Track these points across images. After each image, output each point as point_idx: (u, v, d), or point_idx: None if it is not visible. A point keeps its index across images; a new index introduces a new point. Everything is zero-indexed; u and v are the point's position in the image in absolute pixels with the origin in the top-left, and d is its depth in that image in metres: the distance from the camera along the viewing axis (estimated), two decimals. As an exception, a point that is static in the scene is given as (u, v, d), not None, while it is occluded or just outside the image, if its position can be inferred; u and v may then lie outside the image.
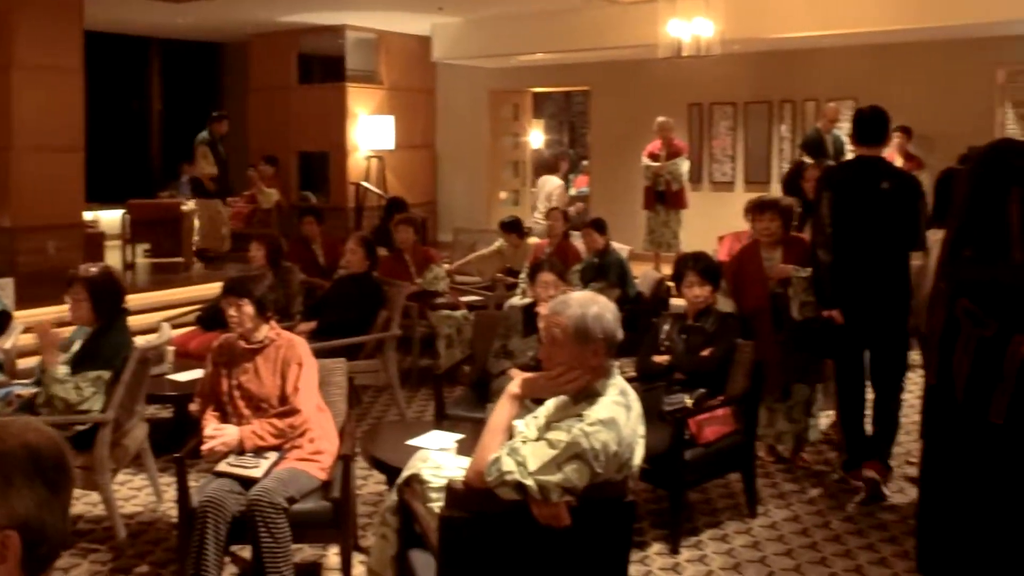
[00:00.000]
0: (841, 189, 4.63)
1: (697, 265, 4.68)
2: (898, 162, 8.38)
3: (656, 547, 4.11)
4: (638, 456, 2.84)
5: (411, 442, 3.77)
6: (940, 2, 8.85)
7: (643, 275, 7.72)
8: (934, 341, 2.28)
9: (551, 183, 11.68)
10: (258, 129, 12.66)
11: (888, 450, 4.73)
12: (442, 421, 4.54)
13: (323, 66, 12.83)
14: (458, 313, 6.81)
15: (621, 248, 7.73)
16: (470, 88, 13.07)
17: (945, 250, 2.44)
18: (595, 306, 2.83)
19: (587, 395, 2.79)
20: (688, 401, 4.30)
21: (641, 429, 2.88)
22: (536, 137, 14.72)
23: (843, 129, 9.83)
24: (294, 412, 3.68)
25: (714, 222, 8.89)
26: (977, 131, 8.31)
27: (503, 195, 13.60)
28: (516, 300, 6.56)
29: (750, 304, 4.95)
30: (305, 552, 4.00)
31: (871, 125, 4.62)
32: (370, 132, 12.13)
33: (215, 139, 10.37)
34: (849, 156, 7.03)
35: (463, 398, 5.00)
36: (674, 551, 4.05)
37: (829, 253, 4.56)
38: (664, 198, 9.74)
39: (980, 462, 2.21)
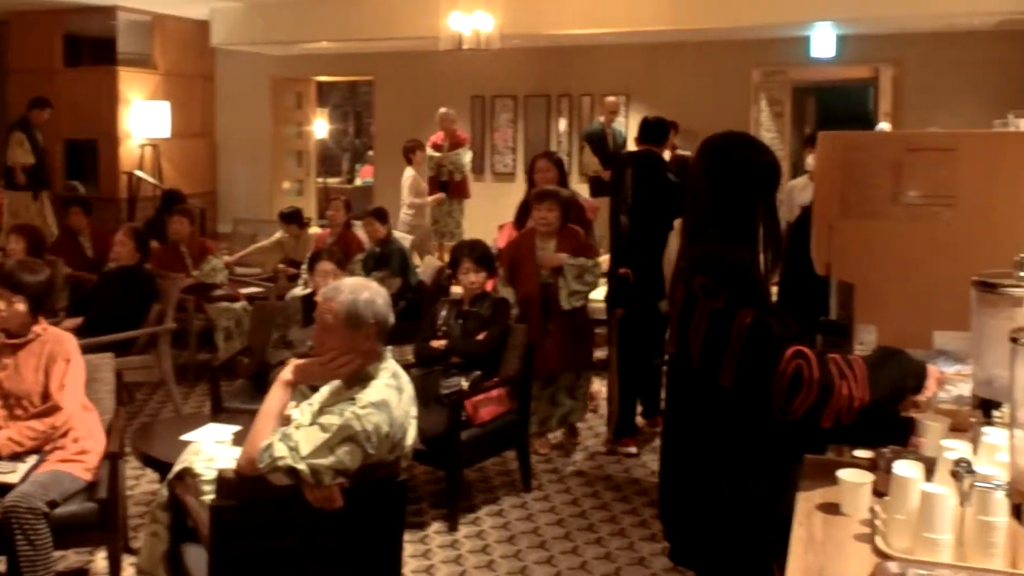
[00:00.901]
0: (639, 170, 5.25)
1: (472, 252, 4.83)
2: (666, 155, 8.88)
3: (435, 526, 4.23)
4: (411, 437, 2.91)
5: (185, 437, 3.70)
6: (703, 6, 9.44)
7: (425, 264, 7.82)
8: (675, 314, 2.48)
9: (405, 175, 11.55)
10: (19, 113, 11.81)
11: (657, 404, 5.20)
12: (219, 414, 4.47)
13: (92, 48, 12.12)
14: (237, 305, 6.67)
15: (403, 238, 7.80)
16: (252, 75, 12.74)
17: (685, 232, 2.65)
18: (366, 291, 2.88)
19: (360, 379, 2.84)
20: (464, 384, 4.45)
21: (413, 410, 2.95)
22: (321, 127, 14.52)
23: (620, 123, 10.36)
24: (55, 411, 3.51)
25: (496, 211, 9.11)
26: (735, 126, 8.72)
27: (287, 185, 13.35)
28: (298, 291, 6.50)
29: (522, 292, 5.11)
30: (70, 559, 3.84)
31: (656, 129, 5.50)
32: (144, 119, 11.59)
33: (32, 126, 9.62)
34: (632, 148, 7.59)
35: (241, 390, 4.93)
36: (452, 528, 4.19)
37: (628, 219, 5.12)
38: (447, 188, 9.89)
39: (701, 423, 2.43)
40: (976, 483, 1.79)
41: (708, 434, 2.39)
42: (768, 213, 2.45)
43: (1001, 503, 1.77)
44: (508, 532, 4.19)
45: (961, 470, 1.80)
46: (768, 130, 11.24)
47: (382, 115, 12.61)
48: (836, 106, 12.74)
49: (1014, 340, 1.64)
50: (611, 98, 10.12)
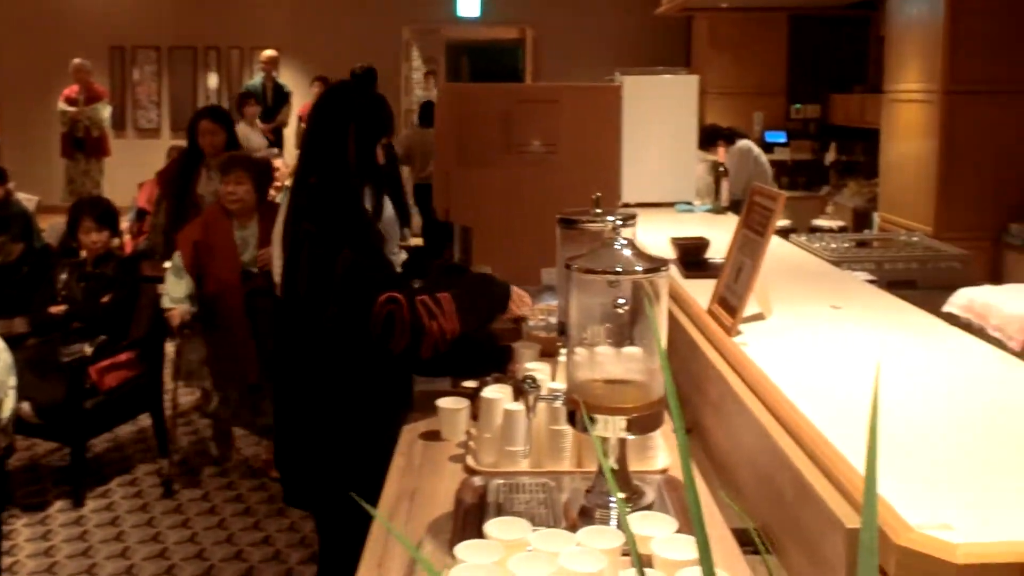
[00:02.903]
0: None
1: (94, 211, 4.50)
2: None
3: (59, 504, 3.95)
4: (7, 409, 2.69)
5: None
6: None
7: (50, 227, 7.21)
8: (285, 258, 2.46)
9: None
10: None
11: None
12: None
13: None
14: None
15: (27, 199, 7.13)
16: None
17: (295, 178, 2.63)
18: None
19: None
20: (88, 350, 4.17)
21: (12, 381, 2.73)
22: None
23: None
24: None
25: (139, 170, 8.58)
26: (387, 82, 9.03)
27: None
28: None
29: (214, 285, 4.10)
30: None
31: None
32: None
33: None
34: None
35: None
36: (78, 504, 3.93)
37: None
38: (84, 145, 9.16)
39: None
40: (540, 397, 1.95)
41: (317, 374, 2.41)
42: (364, 151, 2.47)
43: (563, 412, 1.94)
44: (141, 500, 4.00)
45: (526, 387, 1.95)
46: (421, 87, 11.45)
47: (7, 67, 11.39)
48: (488, 64, 13.22)
49: (567, 266, 1.78)
50: (268, 52, 9.79)
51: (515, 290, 2.51)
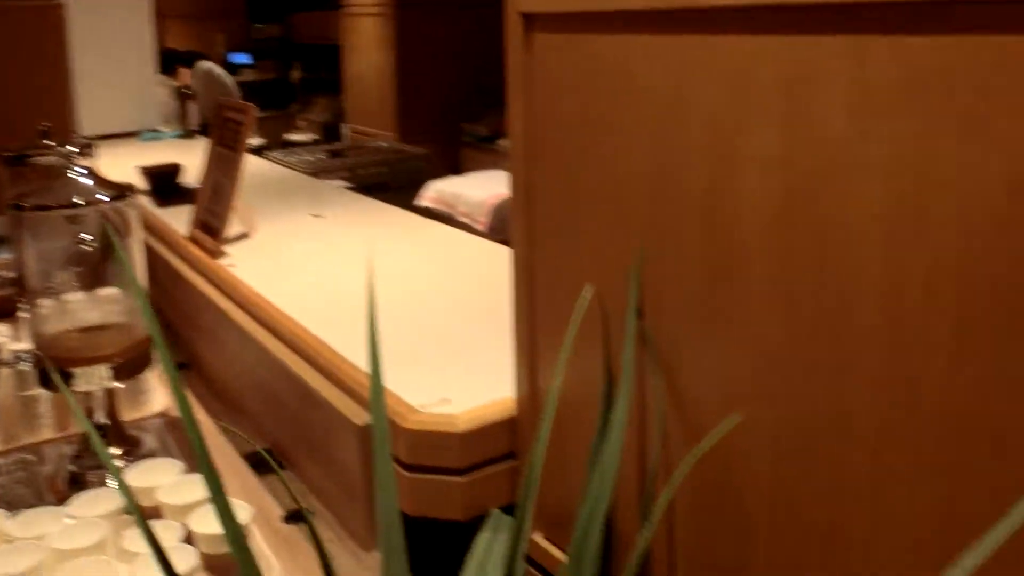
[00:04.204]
0: None
1: None
2: None
3: None
4: None
5: None
6: None
7: None
8: None
9: None
10: None
11: None
12: None
13: None
14: None
15: None
16: None
17: None
18: None
19: None
20: None
21: None
22: None
23: None
24: None
25: None
26: None
27: None
28: None
29: None
30: None
31: None
32: None
33: None
34: None
35: None
36: None
37: None
38: None
39: None
40: (1, 362, 1.70)
41: None
42: None
43: (32, 374, 1.71)
44: None
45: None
46: None
47: None
48: None
49: (16, 207, 1.54)
50: None
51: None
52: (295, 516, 1.50)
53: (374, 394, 1.13)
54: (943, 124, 0.72)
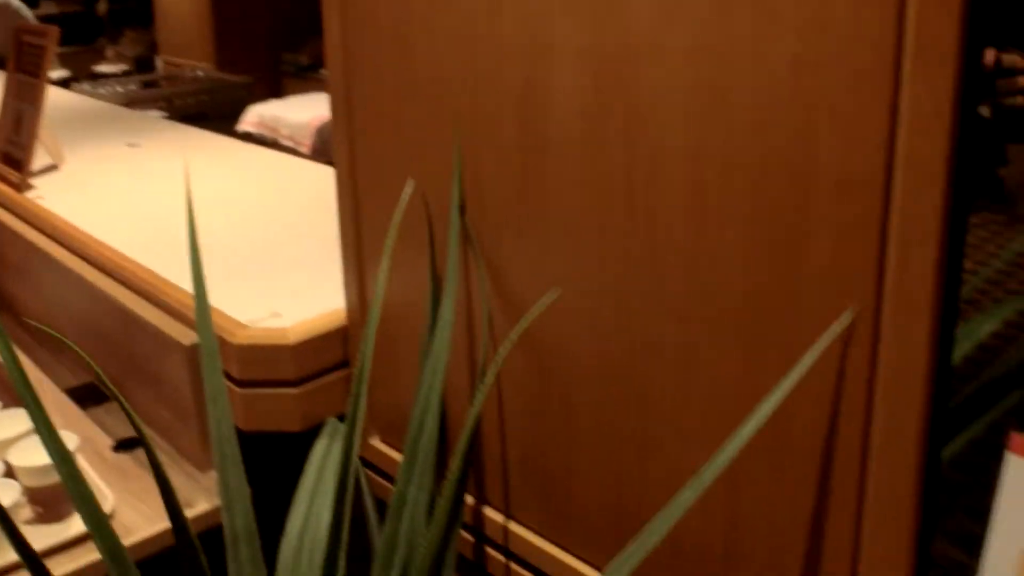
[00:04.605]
0: None
1: None
2: None
3: None
4: None
5: None
6: None
7: None
8: None
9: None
10: None
11: None
12: None
13: None
14: None
15: None
16: None
17: None
18: None
19: None
20: None
21: None
22: None
23: None
24: None
25: None
26: None
27: None
28: None
29: None
30: None
31: None
32: None
33: None
34: None
35: None
36: None
37: None
38: None
39: None
40: None
41: None
42: None
43: None
44: None
45: None
46: None
47: None
48: None
49: None
50: None
51: None
52: (125, 444, 1.46)
53: (199, 311, 1.11)
54: (739, 7, 0.76)
